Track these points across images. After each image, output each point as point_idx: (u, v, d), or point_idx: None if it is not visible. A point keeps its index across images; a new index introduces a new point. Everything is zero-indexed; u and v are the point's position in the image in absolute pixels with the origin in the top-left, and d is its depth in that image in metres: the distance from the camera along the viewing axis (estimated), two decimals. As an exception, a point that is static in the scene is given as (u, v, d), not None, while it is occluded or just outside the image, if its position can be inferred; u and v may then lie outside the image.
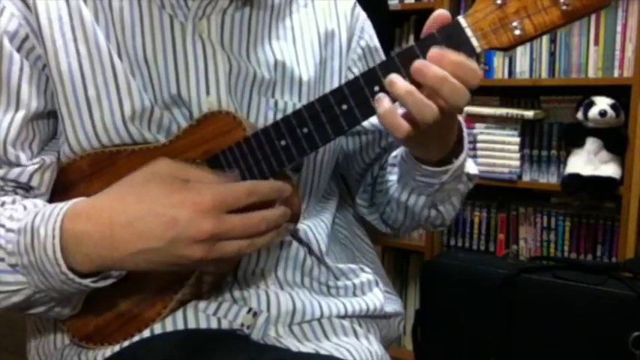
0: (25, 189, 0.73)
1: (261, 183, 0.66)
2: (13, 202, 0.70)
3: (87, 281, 0.64)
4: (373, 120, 0.84)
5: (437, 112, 0.61)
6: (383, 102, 0.63)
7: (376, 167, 0.88)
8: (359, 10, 0.88)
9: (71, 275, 0.63)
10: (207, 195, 0.61)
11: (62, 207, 0.64)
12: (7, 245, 0.64)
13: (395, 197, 0.82)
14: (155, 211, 0.62)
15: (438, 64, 0.60)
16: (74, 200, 0.66)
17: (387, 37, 2.21)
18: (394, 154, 0.84)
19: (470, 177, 0.83)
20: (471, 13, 0.63)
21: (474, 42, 0.62)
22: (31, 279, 0.64)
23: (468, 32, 0.62)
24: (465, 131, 0.76)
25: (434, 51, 0.61)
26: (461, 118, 0.74)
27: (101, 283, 0.65)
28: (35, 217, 0.64)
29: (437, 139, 0.70)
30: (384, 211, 0.87)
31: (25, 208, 0.68)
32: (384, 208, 0.87)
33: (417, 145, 0.71)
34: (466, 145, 0.76)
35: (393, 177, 0.83)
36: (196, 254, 0.61)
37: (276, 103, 0.76)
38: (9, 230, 0.65)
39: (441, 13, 0.63)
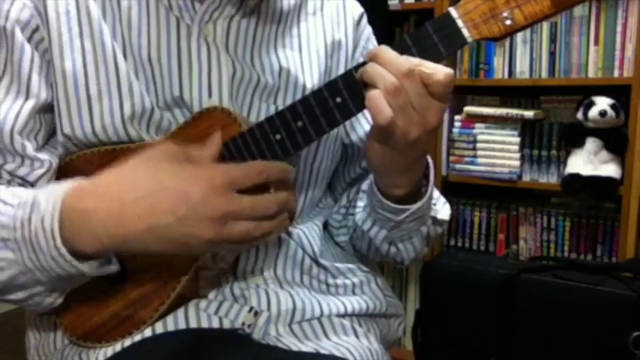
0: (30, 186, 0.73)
1: (272, 163, 0.66)
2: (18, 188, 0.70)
3: (84, 266, 0.62)
4: (361, 133, 0.84)
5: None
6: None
7: (353, 190, 0.88)
8: (366, 21, 0.88)
9: (63, 250, 0.61)
10: (220, 172, 0.61)
11: (64, 185, 0.64)
12: (1, 218, 0.63)
13: (359, 225, 0.82)
14: (167, 185, 0.61)
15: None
16: (76, 180, 0.65)
17: (387, 38, 2.21)
18: (367, 180, 0.84)
19: (438, 222, 0.83)
20: (462, 4, 0.64)
21: (465, 32, 0.64)
22: (19, 255, 0.63)
23: (459, 23, 0.64)
24: (432, 174, 0.75)
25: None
26: (431, 162, 0.75)
27: (98, 272, 0.64)
28: (38, 192, 0.64)
29: (405, 166, 0.70)
30: (352, 236, 0.87)
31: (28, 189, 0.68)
32: (353, 232, 0.86)
33: (385, 168, 0.71)
34: (431, 189, 0.76)
35: (361, 203, 0.83)
36: (207, 234, 0.60)
37: (277, 110, 0.76)
38: (7, 204, 0.64)
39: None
